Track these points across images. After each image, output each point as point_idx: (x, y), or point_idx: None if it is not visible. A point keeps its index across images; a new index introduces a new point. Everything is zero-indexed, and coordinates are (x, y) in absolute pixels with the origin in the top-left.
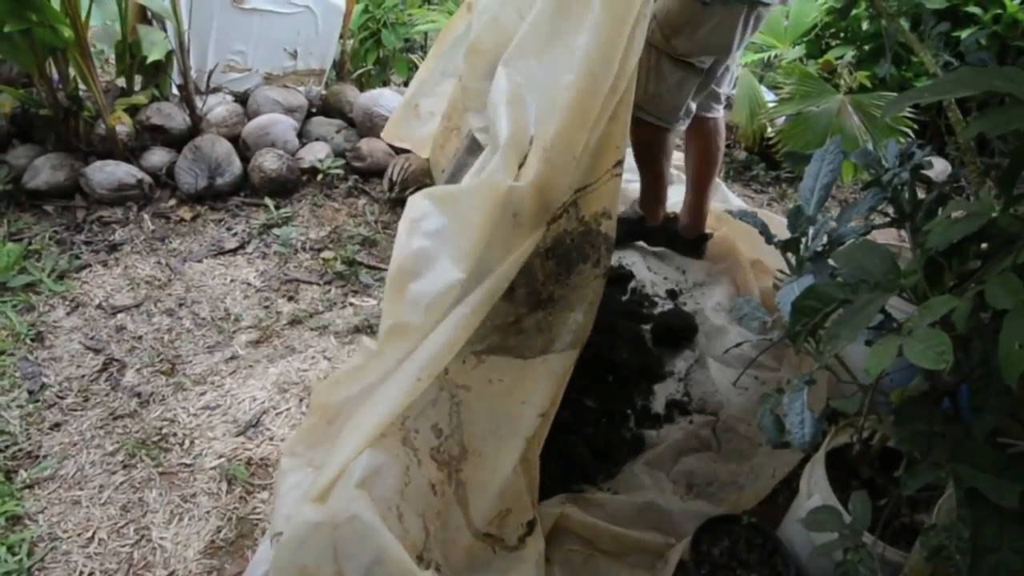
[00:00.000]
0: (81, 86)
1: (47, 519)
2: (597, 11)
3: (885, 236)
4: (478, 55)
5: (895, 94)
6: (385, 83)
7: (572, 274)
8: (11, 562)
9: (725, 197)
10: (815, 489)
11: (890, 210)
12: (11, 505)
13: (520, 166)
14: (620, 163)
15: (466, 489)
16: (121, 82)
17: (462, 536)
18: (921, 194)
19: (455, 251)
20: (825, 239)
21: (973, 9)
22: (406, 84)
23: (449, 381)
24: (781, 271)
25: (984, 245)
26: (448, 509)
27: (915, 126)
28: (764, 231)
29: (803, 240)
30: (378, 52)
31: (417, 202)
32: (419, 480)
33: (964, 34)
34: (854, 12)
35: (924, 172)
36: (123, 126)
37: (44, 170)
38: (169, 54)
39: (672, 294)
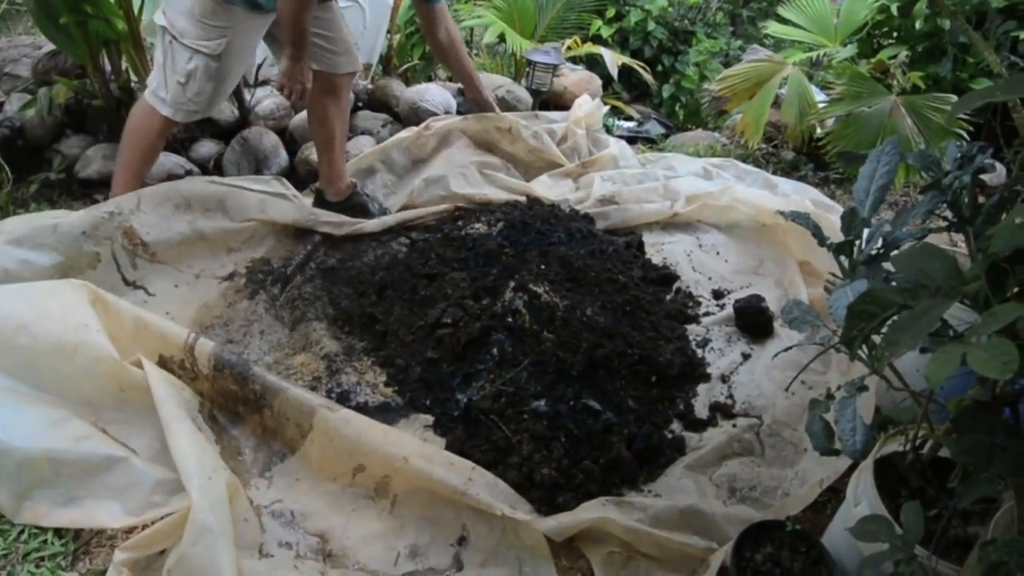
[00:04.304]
0: (133, 77)
1: None
2: None
3: (936, 240)
4: None
5: (950, 95)
6: (430, 78)
7: None
8: (57, 544)
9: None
10: (862, 497)
11: (948, 214)
12: None
13: None
14: None
15: None
16: None
17: None
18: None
19: None
20: (880, 242)
21: None
22: (451, 79)
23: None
24: (833, 274)
25: None
26: None
27: (971, 128)
28: (817, 233)
29: (857, 243)
30: (424, 47)
31: None
32: None
33: (1023, 34)
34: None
35: (981, 176)
36: None
37: (96, 160)
38: None
39: (717, 294)
